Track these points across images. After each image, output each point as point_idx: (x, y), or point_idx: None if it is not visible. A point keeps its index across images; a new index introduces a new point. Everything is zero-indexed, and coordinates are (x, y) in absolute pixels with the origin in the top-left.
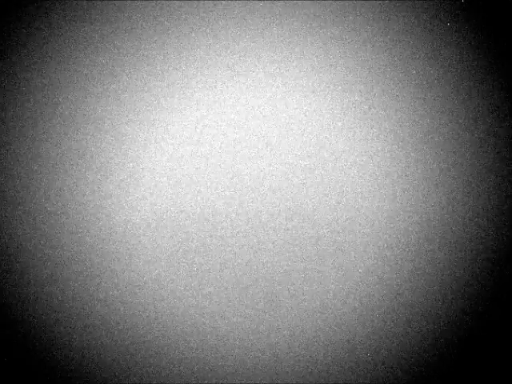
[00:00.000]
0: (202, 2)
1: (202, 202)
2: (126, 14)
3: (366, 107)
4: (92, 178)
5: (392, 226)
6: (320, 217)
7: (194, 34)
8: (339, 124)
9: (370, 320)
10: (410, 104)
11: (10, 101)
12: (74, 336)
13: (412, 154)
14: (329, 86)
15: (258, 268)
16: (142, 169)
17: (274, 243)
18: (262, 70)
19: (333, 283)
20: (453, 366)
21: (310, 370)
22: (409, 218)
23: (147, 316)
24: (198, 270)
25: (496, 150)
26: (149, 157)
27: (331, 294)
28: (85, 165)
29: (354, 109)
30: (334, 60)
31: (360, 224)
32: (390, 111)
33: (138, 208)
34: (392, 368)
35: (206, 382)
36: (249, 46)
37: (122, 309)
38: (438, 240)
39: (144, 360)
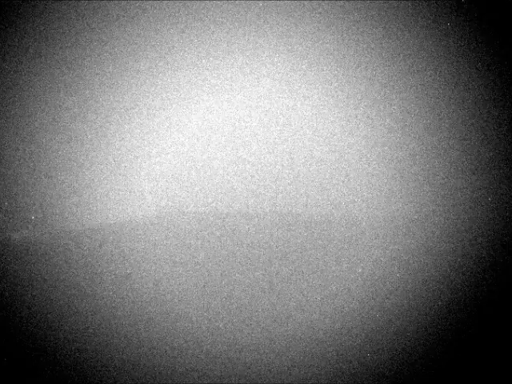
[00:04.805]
0: (202, 3)
1: (202, 202)
2: (125, 15)
3: (368, 108)
4: (92, 177)
5: (391, 225)
6: (320, 217)
7: (195, 35)
8: (341, 124)
9: (369, 319)
10: (411, 103)
11: (12, 99)
12: (73, 335)
13: (412, 154)
14: (330, 88)
15: (258, 267)
16: (143, 169)
17: (274, 242)
18: (263, 71)
19: (333, 283)
20: (452, 366)
21: (309, 368)
22: (408, 217)
23: (147, 313)
24: (198, 268)
25: (496, 149)
26: (149, 157)
27: (331, 293)
28: (85, 165)
29: (355, 108)
30: (335, 61)
31: (360, 224)
32: (390, 111)
33: (138, 207)
34: (391, 367)
35: (206, 379)
36: (250, 46)
37: (121, 307)
38: (437, 240)
39: (143, 356)
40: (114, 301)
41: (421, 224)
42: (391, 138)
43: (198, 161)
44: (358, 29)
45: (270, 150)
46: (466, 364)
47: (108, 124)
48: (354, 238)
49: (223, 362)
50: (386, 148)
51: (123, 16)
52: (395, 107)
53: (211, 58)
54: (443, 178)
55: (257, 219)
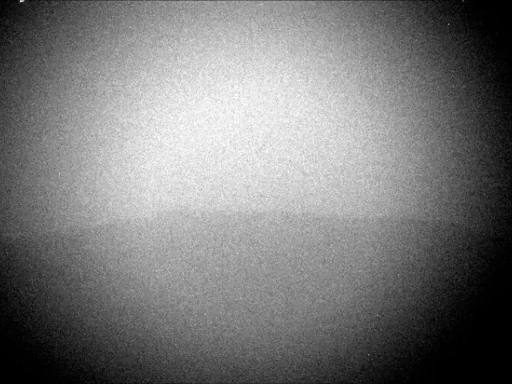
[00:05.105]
0: (204, 2)
1: (203, 202)
2: (127, 14)
3: (368, 107)
4: (93, 177)
5: (392, 226)
6: (320, 216)
7: (198, 37)
8: (342, 124)
9: (371, 319)
10: (411, 103)
11: (13, 100)
12: (73, 334)
13: (412, 156)
14: (331, 88)
15: (258, 266)
16: (144, 169)
17: (274, 242)
18: (265, 72)
19: (333, 282)
20: (451, 366)
21: (309, 367)
22: (409, 217)
23: (147, 313)
24: (198, 268)
25: (496, 149)
26: (150, 157)
27: (331, 293)
28: (86, 164)
29: (355, 108)
30: (335, 60)
31: (360, 224)
32: (390, 112)
33: (139, 207)
34: (391, 367)
35: (205, 379)
36: (252, 46)
37: (121, 307)
38: (438, 240)
39: (144, 356)
40: (114, 301)
41: (421, 224)
42: (391, 140)
43: (198, 162)
44: (358, 30)
45: (271, 152)
46: (465, 364)
47: (109, 125)
48: (353, 238)
49: (223, 362)
50: (386, 150)
51: (125, 17)
52: (396, 109)
53: (216, 60)
54: (443, 179)
55: (257, 220)
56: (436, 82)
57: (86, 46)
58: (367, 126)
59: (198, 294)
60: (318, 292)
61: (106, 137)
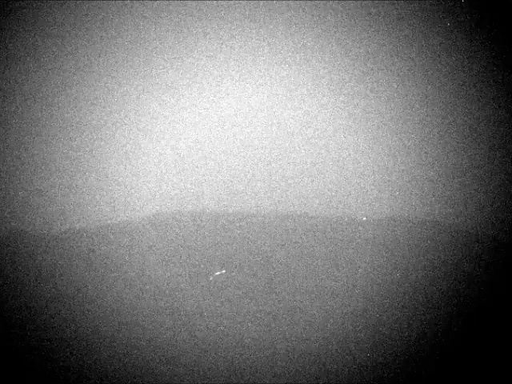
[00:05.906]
0: (204, 2)
1: (203, 202)
2: (127, 14)
3: (369, 109)
4: (94, 177)
5: (392, 225)
6: (319, 216)
7: (199, 33)
8: (342, 124)
9: (370, 318)
10: (410, 103)
11: (13, 103)
12: (72, 333)
13: (412, 157)
14: (332, 88)
15: (258, 266)
16: (144, 169)
17: (274, 242)
18: (266, 71)
19: (333, 282)
20: (451, 365)
21: (308, 367)
22: (410, 217)
23: (147, 313)
24: (198, 268)
25: (496, 150)
26: (150, 158)
27: (331, 293)
28: (86, 165)
29: (354, 108)
30: (335, 60)
31: (360, 224)
32: (389, 111)
33: (139, 207)
34: (391, 367)
35: (205, 380)
36: (252, 45)
37: (121, 306)
38: (438, 240)
39: (144, 356)
40: (114, 300)
41: (421, 224)
42: (392, 141)
43: (198, 163)
44: (358, 30)
45: (271, 152)
46: (465, 364)
47: (110, 127)
48: (353, 238)
49: (223, 362)
50: (387, 151)
51: (125, 17)
52: (397, 110)
53: (213, 62)
54: (444, 179)
55: (257, 220)
56: (436, 83)
57: (85, 46)
58: (368, 127)
59: (197, 293)
60: (318, 292)
61: (106, 138)
